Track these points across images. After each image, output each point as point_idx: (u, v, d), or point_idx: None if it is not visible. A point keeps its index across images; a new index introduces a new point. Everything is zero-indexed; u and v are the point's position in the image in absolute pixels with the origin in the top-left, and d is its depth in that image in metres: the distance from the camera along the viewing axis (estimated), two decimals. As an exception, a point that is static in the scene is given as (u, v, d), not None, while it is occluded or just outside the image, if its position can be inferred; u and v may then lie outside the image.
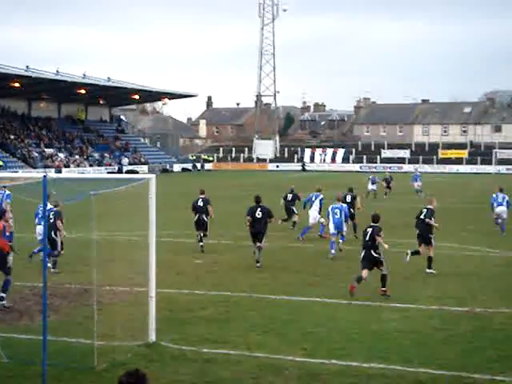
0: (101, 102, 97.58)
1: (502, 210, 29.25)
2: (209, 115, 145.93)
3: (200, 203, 24.51)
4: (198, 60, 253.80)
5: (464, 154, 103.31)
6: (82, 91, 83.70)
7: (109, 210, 28.88)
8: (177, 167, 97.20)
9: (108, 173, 76.97)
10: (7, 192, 25.02)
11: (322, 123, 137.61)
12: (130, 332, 13.29)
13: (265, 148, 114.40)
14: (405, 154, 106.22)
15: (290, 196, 30.43)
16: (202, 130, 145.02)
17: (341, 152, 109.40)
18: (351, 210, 26.46)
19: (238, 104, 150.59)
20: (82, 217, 20.74)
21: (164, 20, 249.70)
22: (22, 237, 21.92)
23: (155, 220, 12.83)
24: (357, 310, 16.00)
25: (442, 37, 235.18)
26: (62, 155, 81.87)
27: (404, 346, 13.08)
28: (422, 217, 20.55)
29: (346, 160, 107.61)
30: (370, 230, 17.51)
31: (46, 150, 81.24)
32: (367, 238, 17.39)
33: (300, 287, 18.35)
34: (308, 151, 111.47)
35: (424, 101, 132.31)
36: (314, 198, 26.99)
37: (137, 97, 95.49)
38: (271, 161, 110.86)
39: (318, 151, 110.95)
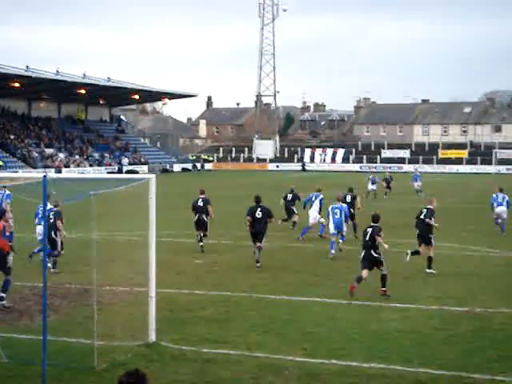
0: (101, 101, 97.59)
1: (502, 210, 29.28)
2: (209, 115, 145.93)
3: (200, 203, 24.52)
4: (198, 60, 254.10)
5: (464, 154, 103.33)
6: (82, 91, 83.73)
7: (109, 210, 28.89)
8: (177, 167, 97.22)
9: (108, 173, 77.01)
10: (7, 192, 25.00)
11: (322, 123, 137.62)
12: (129, 332, 13.29)
13: (265, 148, 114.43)
14: (405, 154, 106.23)
15: (290, 196, 30.48)
16: (202, 129, 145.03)
17: (341, 152, 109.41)
18: (351, 210, 26.45)
19: (238, 104, 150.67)
20: (82, 217, 20.74)
21: (164, 20, 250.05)
22: (22, 237, 21.91)
23: (155, 220, 12.83)
24: (357, 310, 16.00)
25: (441, 37, 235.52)
26: (62, 155, 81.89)
27: (404, 346, 13.09)
28: (421, 217, 20.56)
29: (345, 160, 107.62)
30: (370, 229, 17.51)
31: (46, 150, 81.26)
32: (367, 238, 17.40)
33: (300, 287, 18.36)
34: (308, 151, 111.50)
35: (424, 101, 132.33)
36: (314, 198, 26.99)
37: (137, 97, 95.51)
38: (271, 161, 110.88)
39: (318, 151, 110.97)
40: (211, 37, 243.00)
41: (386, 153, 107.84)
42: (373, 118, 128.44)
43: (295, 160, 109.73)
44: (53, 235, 20.00)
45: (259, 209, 21.40)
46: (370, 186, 48.02)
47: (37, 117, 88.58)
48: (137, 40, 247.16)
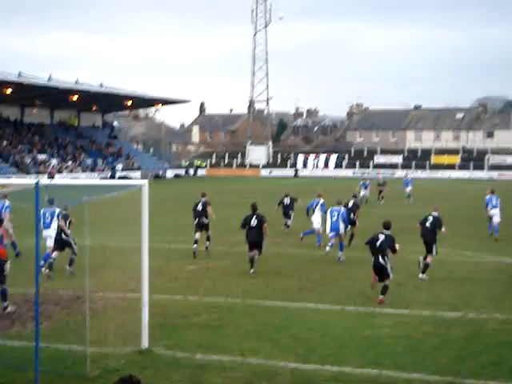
0: (93, 108, 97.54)
1: (495, 212, 29.72)
2: (202, 121, 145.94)
3: (199, 207, 24.65)
4: (191, 66, 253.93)
5: (456, 159, 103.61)
6: (75, 97, 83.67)
7: (101, 216, 28.84)
8: (170, 173, 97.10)
9: (101, 179, 76.91)
10: (7, 203, 24.41)
11: (315, 129, 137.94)
12: (122, 338, 13.26)
13: (258, 154, 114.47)
14: (398, 159, 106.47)
15: (286, 200, 31.03)
16: (195, 135, 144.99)
17: (333, 158, 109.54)
18: (351, 215, 26.27)
19: (231, 110, 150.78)
20: (75, 223, 20.80)
21: (157, 26, 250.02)
22: (26, 244, 21.90)
23: (148, 226, 12.82)
24: (350, 315, 16.00)
25: (433, 43, 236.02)
26: (54, 161, 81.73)
27: (397, 352, 13.09)
28: (427, 225, 20.59)
29: (338, 166, 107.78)
30: (382, 236, 17.36)
31: (38, 156, 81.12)
32: (377, 245, 17.26)
33: (293, 293, 18.35)
34: (301, 157, 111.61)
35: (416, 107, 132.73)
36: (314, 205, 27.21)
37: (129, 103, 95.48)
38: (264, 167, 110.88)
39: (311, 157, 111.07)
40: (204, 43, 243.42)
41: (379, 158, 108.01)
42: (366, 123, 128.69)
43: (288, 166, 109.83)
44: (63, 237, 20.38)
45: (254, 217, 21.40)
46: (363, 192, 47.89)
47: (29, 123, 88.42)
48: (130, 46, 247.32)
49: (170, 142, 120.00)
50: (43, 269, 20.12)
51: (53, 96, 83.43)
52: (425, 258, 20.40)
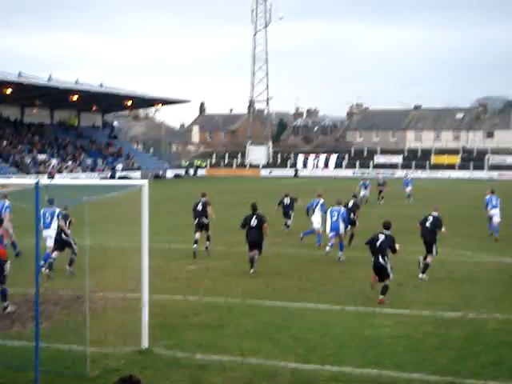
0: (93, 108, 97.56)
1: (495, 212, 29.84)
2: (202, 121, 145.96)
3: (199, 207, 24.70)
4: (191, 66, 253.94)
5: (456, 159, 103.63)
6: (75, 97, 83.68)
7: (101, 215, 28.83)
8: (170, 173, 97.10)
9: (101, 179, 76.92)
10: (7, 203, 24.41)
11: (315, 129, 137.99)
12: (122, 338, 13.26)
13: (258, 154, 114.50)
14: (398, 159, 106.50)
15: (286, 200, 31.15)
16: (195, 135, 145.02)
17: (333, 158, 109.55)
18: (351, 215, 26.30)
19: (231, 110, 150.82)
20: (75, 223, 20.81)
21: (157, 26, 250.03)
22: (26, 244, 21.90)
23: (148, 226, 12.82)
24: (350, 315, 16.01)
25: (433, 43, 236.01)
26: (54, 161, 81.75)
27: (397, 352, 13.09)
28: (427, 225, 20.62)
29: (338, 166, 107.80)
30: (382, 236, 17.40)
31: (38, 156, 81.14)
32: (378, 245, 17.30)
33: (293, 293, 18.35)
34: (301, 157, 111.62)
35: (416, 107, 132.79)
36: (314, 205, 27.26)
37: (129, 103, 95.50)
38: (264, 166, 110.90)
39: (311, 157, 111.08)
40: (204, 43, 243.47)
41: (379, 158, 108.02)
42: (366, 123, 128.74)
43: (288, 166, 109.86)
44: (63, 237, 20.43)
45: (254, 217, 21.42)
46: (363, 192, 47.85)
47: (29, 123, 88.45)
48: (130, 46, 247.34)
49: (170, 142, 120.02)
50: (43, 269, 20.13)
51: (53, 96, 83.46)
52: (425, 258, 20.40)
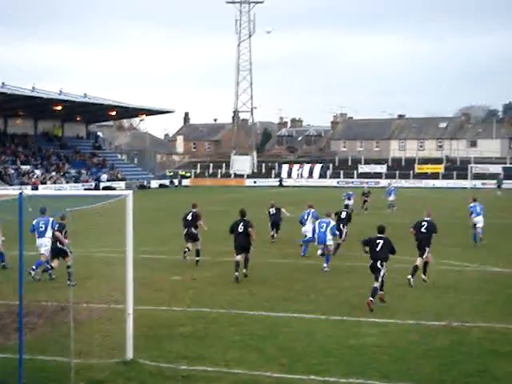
0: (77, 118, 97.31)
1: (479, 219, 30.49)
2: (186, 131, 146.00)
3: (189, 217, 24.81)
4: (175, 76, 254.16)
5: (440, 168, 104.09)
6: (59, 108, 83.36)
7: (85, 226, 28.58)
8: (154, 183, 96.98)
9: (85, 189, 76.69)
10: None
11: (299, 139, 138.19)
12: (107, 349, 13.19)
13: (242, 164, 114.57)
14: (382, 169, 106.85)
15: (272, 210, 31.38)
16: (180, 146, 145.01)
17: (318, 167, 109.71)
18: (341, 225, 26.90)
19: (215, 120, 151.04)
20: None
21: (140, 36, 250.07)
22: (15, 255, 21.78)
23: (132, 236, 12.80)
24: (335, 325, 16.01)
25: (416, 52, 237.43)
26: (38, 172, 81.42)
27: (382, 361, 13.11)
28: (423, 230, 20.84)
29: (323, 175, 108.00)
30: (381, 241, 17.94)
31: (22, 166, 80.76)
32: (378, 250, 17.81)
33: (278, 303, 18.34)
34: (285, 167, 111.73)
35: (400, 116, 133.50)
36: (306, 216, 27.64)
37: (113, 113, 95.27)
38: (249, 176, 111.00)
39: (296, 167, 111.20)
40: (188, 52, 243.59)
41: (363, 168, 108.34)
42: (349, 133, 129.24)
43: (272, 175, 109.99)
44: (58, 245, 20.56)
45: (242, 223, 21.57)
46: (347, 202, 47.89)
47: (13, 134, 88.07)
48: (113, 57, 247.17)
49: (155, 152, 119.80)
50: (33, 272, 20.60)
51: (36, 106, 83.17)
52: (415, 267, 20.52)
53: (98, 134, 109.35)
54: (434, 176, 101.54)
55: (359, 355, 13.48)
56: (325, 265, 23.46)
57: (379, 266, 17.66)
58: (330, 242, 23.79)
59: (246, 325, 15.94)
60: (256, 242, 22.36)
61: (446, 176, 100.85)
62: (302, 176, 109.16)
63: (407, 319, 16.40)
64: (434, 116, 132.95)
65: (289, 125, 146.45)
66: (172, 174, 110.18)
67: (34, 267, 20.85)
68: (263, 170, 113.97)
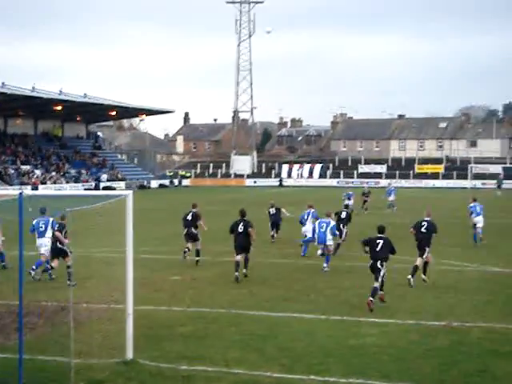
0: (77, 118, 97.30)
1: (479, 219, 30.50)
2: (186, 131, 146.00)
3: (189, 217, 24.82)
4: (175, 76, 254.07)
5: (440, 168, 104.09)
6: (59, 108, 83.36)
7: (85, 226, 28.56)
8: (154, 183, 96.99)
9: (85, 189, 76.70)
10: None
11: (299, 139, 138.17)
12: (107, 350, 13.20)
13: (242, 164, 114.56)
14: (381, 169, 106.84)
15: (272, 210, 31.41)
16: (180, 146, 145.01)
17: (318, 167, 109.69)
18: (341, 226, 26.91)
19: (215, 120, 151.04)
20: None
21: (141, 36, 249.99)
22: (15, 255, 21.79)
23: (132, 237, 12.80)
24: (335, 325, 16.01)
25: (416, 52, 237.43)
26: (38, 172, 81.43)
27: (382, 361, 13.11)
28: (423, 230, 20.85)
29: (323, 175, 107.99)
30: (381, 241, 17.97)
31: (22, 166, 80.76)
32: (378, 250, 17.85)
33: (278, 302, 18.34)
34: (285, 167, 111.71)
35: (400, 116, 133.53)
36: (306, 216, 27.66)
37: (114, 113, 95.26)
38: (249, 176, 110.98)
39: (296, 167, 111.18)
40: (188, 52, 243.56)
41: (363, 168, 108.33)
42: (350, 133, 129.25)
43: (272, 175, 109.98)
44: (58, 245, 20.55)
45: (242, 223, 21.59)
46: (347, 202, 47.88)
47: (13, 133, 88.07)
48: (114, 56, 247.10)
49: (155, 152, 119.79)
50: (33, 272, 20.61)
51: (36, 106, 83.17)
52: (415, 267, 20.53)
53: (98, 134, 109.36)
54: (434, 176, 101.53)
55: (359, 355, 13.48)
56: (325, 265, 23.46)
57: (379, 266, 17.72)
58: (330, 242, 23.80)
59: (245, 325, 15.94)
60: (256, 242, 22.38)
61: (446, 176, 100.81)
62: (301, 176, 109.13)
63: (407, 319, 16.40)
64: (434, 116, 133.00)
65: (289, 125, 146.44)
66: (172, 174, 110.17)
67: (34, 267, 20.87)
68: (263, 170, 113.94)
